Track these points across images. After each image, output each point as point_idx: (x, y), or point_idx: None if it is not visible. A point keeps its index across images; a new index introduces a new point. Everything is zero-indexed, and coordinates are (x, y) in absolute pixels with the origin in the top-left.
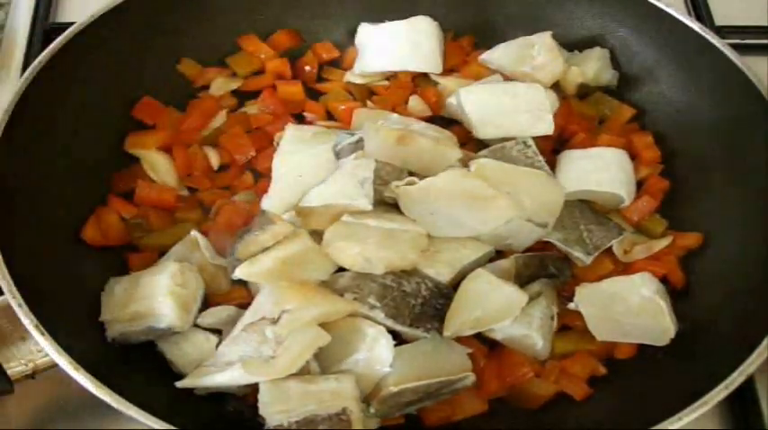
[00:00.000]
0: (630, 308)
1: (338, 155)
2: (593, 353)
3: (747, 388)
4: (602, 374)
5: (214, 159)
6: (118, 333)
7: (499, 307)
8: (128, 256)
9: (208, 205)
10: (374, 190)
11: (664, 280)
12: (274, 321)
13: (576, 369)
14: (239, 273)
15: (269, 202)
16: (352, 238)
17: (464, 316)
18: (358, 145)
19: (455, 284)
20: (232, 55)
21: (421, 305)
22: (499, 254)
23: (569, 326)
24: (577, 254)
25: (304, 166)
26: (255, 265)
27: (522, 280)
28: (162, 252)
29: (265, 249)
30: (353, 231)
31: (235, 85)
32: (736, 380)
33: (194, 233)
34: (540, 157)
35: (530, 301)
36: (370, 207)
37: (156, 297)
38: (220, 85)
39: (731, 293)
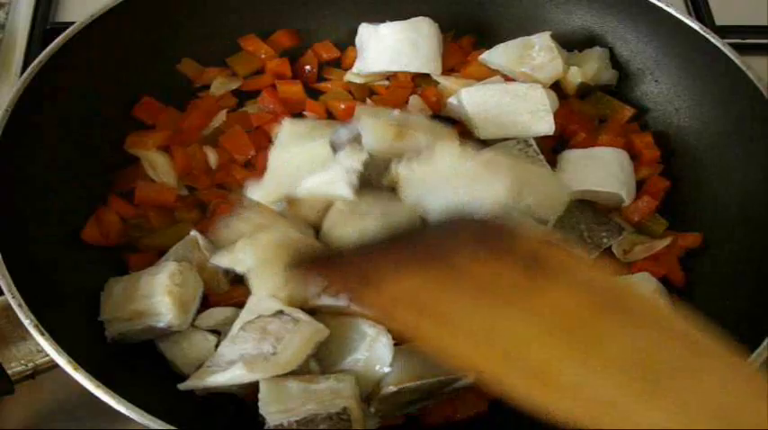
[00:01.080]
0: None
1: (335, 149)
2: None
3: None
4: None
5: (213, 159)
6: (117, 332)
7: None
8: (127, 257)
9: (207, 204)
10: (368, 177)
11: (664, 280)
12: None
13: None
14: (215, 259)
15: (255, 192)
16: (349, 224)
17: None
18: (356, 139)
19: None
20: (232, 55)
21: None
22: None
23: None
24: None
25: (299, 160)
26: (231, 252)
27: None
28: (161, 252)
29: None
30: (348, 217)
31: (235, 84)
32: None
33: (194, 233)
34: (542, 156)
35: None
36: (352, 196)
37: (155, 296)
38: (220, 84)
39: (731, 293)
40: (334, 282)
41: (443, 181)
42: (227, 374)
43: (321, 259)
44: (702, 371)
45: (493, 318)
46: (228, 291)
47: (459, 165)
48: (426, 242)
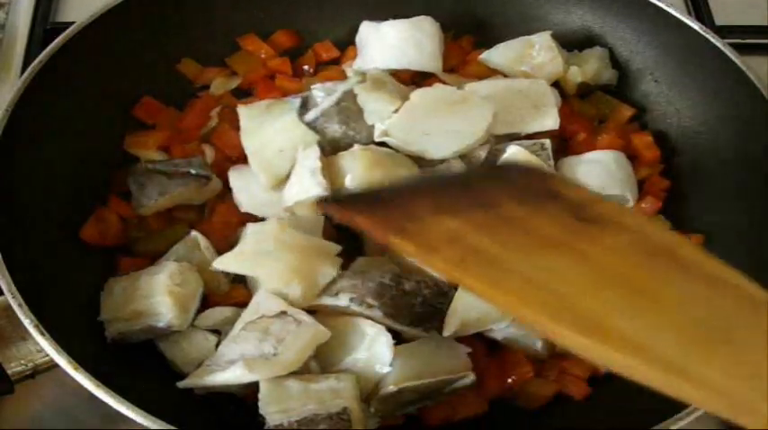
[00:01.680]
0: None
1: (315, 128)
2: None
3: None
4: (602, 374)
5: (210, 156)
6: (117, 332)
7: None
8: (119, 260)
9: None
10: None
11: None
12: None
13: (575, 369)
14: (218, 264)
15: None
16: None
17: (464, 315)
18: (336, 107)
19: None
20: (232, 55)
21: (421, 304)
22: None
23: None
24: None
25: (277, 141)
26: (237, 255)
27: None
28: (154, 257)
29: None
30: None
31: (234, 84)
32: None
33: (194, 233)
34: (551, 162)
35: None
36: (326, 193)
37: (155, 296)
38: (220, 84)
39: None
40: (375, 221)
41: (431, 111)
42: (226, 374)
43: (360, 200)
44: (759, 326)
45: (544, 262)
46: (228, 291)
47: (440, 93)
48: (469, 185)
